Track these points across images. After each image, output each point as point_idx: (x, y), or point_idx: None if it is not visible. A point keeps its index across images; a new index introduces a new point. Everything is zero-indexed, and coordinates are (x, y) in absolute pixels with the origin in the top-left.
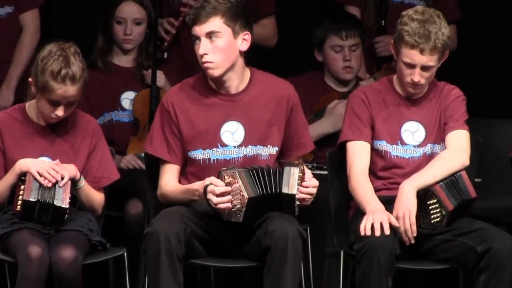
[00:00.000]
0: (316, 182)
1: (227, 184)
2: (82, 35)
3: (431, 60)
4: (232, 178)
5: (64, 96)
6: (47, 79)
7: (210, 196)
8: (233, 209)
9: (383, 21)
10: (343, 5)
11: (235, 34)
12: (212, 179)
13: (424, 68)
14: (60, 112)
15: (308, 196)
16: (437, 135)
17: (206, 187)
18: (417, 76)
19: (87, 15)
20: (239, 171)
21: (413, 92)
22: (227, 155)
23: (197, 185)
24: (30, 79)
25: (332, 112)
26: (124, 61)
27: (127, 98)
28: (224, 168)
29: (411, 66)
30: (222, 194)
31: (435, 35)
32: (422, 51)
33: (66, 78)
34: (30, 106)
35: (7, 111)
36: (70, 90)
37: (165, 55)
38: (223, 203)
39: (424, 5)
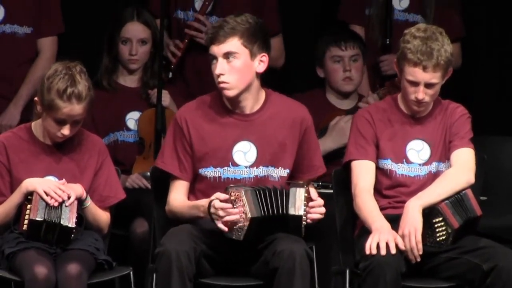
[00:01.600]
0: (321, 201)
1: (232, 201)
2: (88, 55)
3: (434, 77)
4: (238, 195)
5: (70, 114)
6: (53, 98)
7: (213, 210)
8: (235, 227)
9: (388, 40)
10: (347, 24)
11: (253, 55)
12: (218, 194)
13: (428, 85)
14: (66, 131)
15: (318, 216)
16: (442, 153)
17: (210, 202)
18: (421, 94)
19: (92, 35)
20: (246, 190)
21: (418, 110)
22: (238, 175)
23: (203, 201)
24: (36, 98)
25: (334, 128)
26: (129, 81)
27: (132, 118)
28: (232, 185)
29: (415, 83)
30: (222, 209)
31: (438, 52)
32: (425, 68)
33: (72, 96)
34: (36, 125)
35: (13, 131)
36: (76, 108)
37: (170, 75)
38: (228, 216)
39: (427, 23)
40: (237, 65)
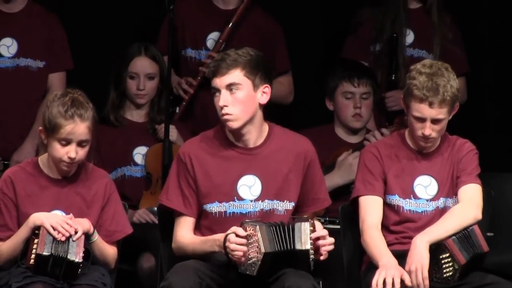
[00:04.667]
0: (326, 231)
1: (247, 236)
2: (93, 91)
3: (440, 113)
4: (253, 230)
5: (73, 133)
6: (56, 118)
7: (228, 243)
8: (249, 262)
9: (394, 76)
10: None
11: (255, 86)
12: (234, 228)
13: (435, 121)
14: (72, 153)
15: (330, 248)
16: (449, 189)
17: (226, 235)
18: (428, 130)
19: (97, 71)
20: (260, 225)
21: (425, 146)
22: (243, 209)
23: (219, 235)
24: (40, 127)
25: (342, 163)
26: (136, 115)
27: (139, 153)
28: (247, 220)
29: (421, 119)
30: (237, 243)
31: (444, 88)
32: (431, 104)
33: (74, 115)
34: (42, 159)
35: (21, 165)
36: (79, 127)
37: (177, 110)
38: (239, 251)
39: (432, 58)
40: (240, 96)
